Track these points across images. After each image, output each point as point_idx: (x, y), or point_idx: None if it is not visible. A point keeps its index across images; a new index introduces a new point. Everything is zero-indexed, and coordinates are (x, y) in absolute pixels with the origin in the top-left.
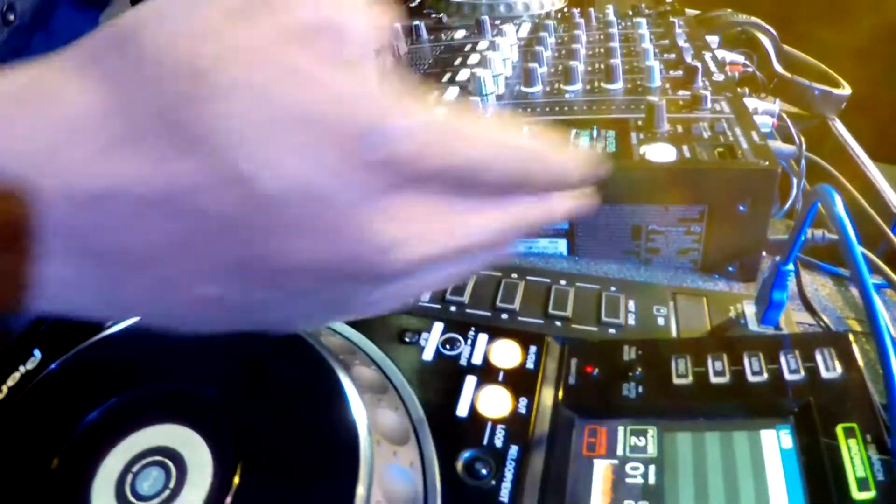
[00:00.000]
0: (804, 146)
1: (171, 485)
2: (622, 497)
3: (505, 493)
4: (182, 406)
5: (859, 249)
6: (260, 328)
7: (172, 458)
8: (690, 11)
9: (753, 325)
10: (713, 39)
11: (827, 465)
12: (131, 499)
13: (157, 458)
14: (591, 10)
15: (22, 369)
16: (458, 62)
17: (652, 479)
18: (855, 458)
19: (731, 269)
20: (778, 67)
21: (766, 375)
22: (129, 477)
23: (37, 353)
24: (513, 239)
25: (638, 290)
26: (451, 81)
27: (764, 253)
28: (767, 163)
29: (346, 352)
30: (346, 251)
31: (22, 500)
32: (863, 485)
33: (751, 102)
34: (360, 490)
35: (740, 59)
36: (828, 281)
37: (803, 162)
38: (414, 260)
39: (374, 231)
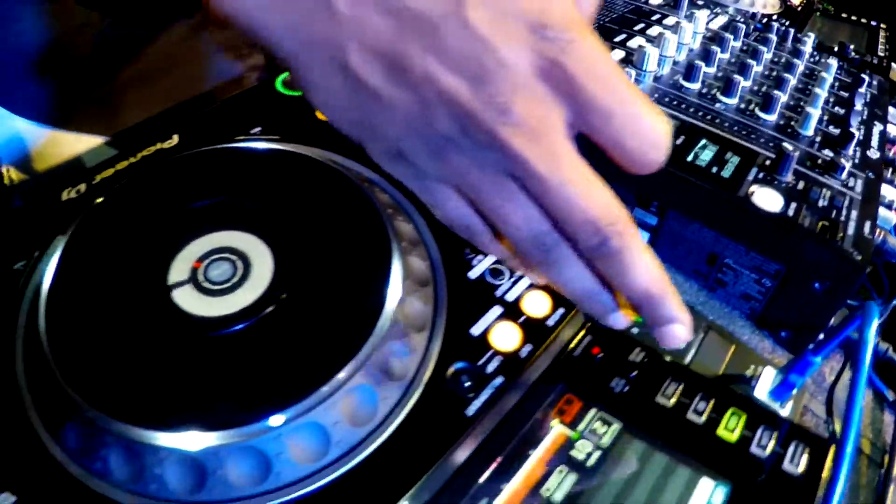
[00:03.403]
0: None
1: (236, 279)
2: (558, 461)
3: (472, 409)
4: (264, 221)
5: (867, 367)
6: (362, 133)
7: (242, 258)
8: None
9: (760, 392)
10: None
11: None
12: (200, 277)
13: (230, 255)
14: (791, 30)
15: (159, 145)
16: (638, 27)
17: (592, 462)
18: None
19: (783, 334)
20: None
21: (735, 437)
22: (205, 262)
23: (175, 137)
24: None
25: None
26: (622, 44)
27: (822, 336)
28: (860, 258)
29: (410, 239)
30: (476, 91)
31: (117, 258)
32: None
33: (891, 192)
34: (364, 351)
35: None
36: (868, 394)
37: None
38: (514, 145)
39: (507, 94)
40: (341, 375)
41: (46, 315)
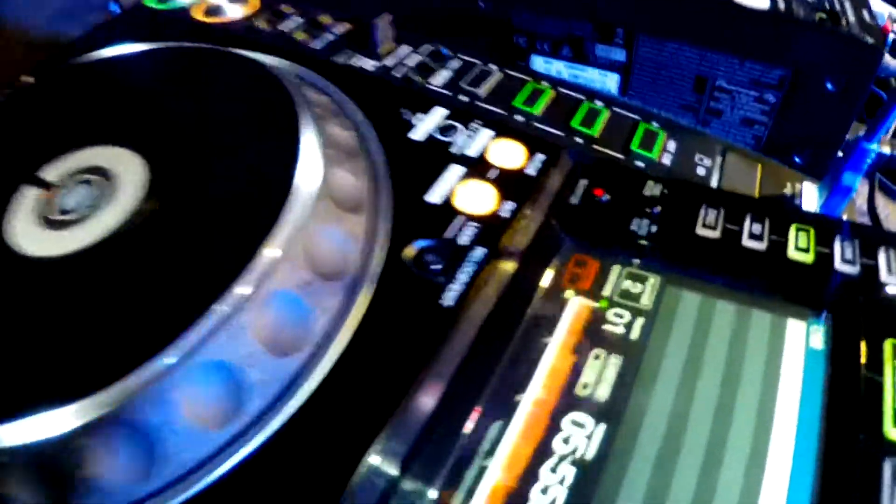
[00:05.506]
0: None
1: (94, 203)
2: (590, 345)
3: (450, 297)
4: (135, 131)
5: None
6: None
7: (103, 174)
8: None
9: (808, 209)
10: None
11: (862, 385)
12: (51, 210)
13: (94, 176)
14: None
15: None
16: None
17: (635, 334)
18: None
19: (797, 158)
20: None
21: (811, 256)
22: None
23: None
24: None
25: (683, 134)
26: None
27: (840, 153)
28: (873, 40)
29: (324, 108)
30: None
31: None
32: None
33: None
34: (275, 241)
35: None
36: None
37: None
38: None
39: None
40: (241, 286)
41: None
